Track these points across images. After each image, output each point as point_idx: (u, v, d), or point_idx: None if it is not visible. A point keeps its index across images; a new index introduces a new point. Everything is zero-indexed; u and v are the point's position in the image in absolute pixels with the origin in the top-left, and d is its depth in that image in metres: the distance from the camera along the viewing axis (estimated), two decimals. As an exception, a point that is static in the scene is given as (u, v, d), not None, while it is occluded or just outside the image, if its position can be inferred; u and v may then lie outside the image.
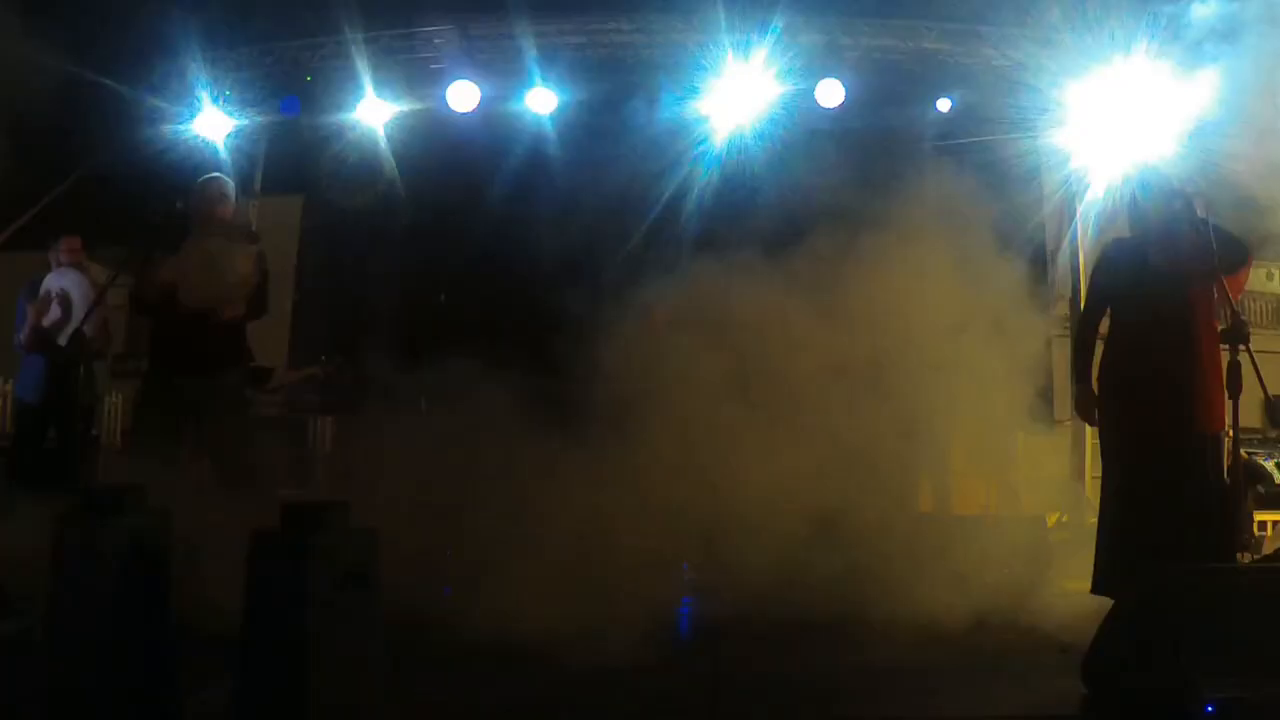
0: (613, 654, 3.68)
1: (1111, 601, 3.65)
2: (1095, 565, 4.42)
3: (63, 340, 6.05)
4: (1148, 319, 4.33)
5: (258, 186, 9.25)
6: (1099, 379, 4.51)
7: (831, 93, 8.09)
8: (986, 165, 6.90)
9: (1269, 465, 7.40)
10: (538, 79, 8.37)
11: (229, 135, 8.59)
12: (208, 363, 5.05)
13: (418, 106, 8.62)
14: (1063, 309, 8.37)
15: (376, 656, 2.61)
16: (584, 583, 4.24)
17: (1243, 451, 4.48)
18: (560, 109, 8.45)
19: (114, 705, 2.68)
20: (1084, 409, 4.57)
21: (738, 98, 8.14)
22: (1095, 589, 4.36)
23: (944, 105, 8.17)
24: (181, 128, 8.44)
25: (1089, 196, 7.76)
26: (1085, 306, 4.60)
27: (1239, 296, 4.39)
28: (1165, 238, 4.34)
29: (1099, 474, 4.68)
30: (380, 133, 8.55)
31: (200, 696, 3.21)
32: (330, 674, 2.51)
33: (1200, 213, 4.23)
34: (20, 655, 3.79)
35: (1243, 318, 4.08)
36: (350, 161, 8.54)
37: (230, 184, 5.32)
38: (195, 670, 3.19)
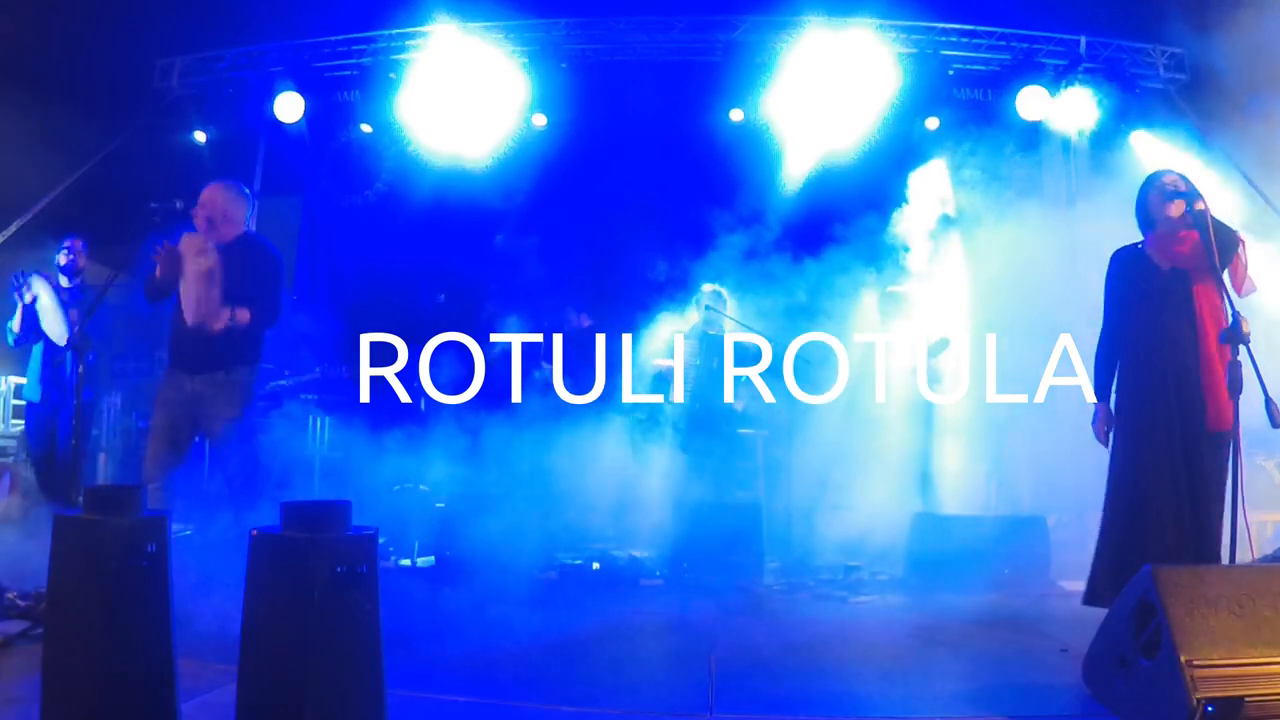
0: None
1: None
2: (1092, 574, 4.33)
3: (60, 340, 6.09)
4: (1155, 321, 4.31)
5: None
6: (1116, 387, 4.46)
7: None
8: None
9: (1269, 465, 7.36)
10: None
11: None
12: (218, 361, 5.04)
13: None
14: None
15: (375, 655, 2.60)
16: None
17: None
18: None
19: (112, 706, 2.67)
20: (1100, 427, 4.46)
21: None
22: (1090, 600, 4.26)
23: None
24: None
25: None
26: (1104, 320, 4.53)
27: (1243, 285, 4.32)
28: (1167, 238, 4.33)
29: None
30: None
31: (200, 696, 3.21)
32: (329, 673, 2.51)
33: (1200, 208, 4.19)
34: (20, 655, 3.79)
35: (1243, 317, 4.03)
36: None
37: (243, 190, 5.30)
38: (194, 670, 3.19)
